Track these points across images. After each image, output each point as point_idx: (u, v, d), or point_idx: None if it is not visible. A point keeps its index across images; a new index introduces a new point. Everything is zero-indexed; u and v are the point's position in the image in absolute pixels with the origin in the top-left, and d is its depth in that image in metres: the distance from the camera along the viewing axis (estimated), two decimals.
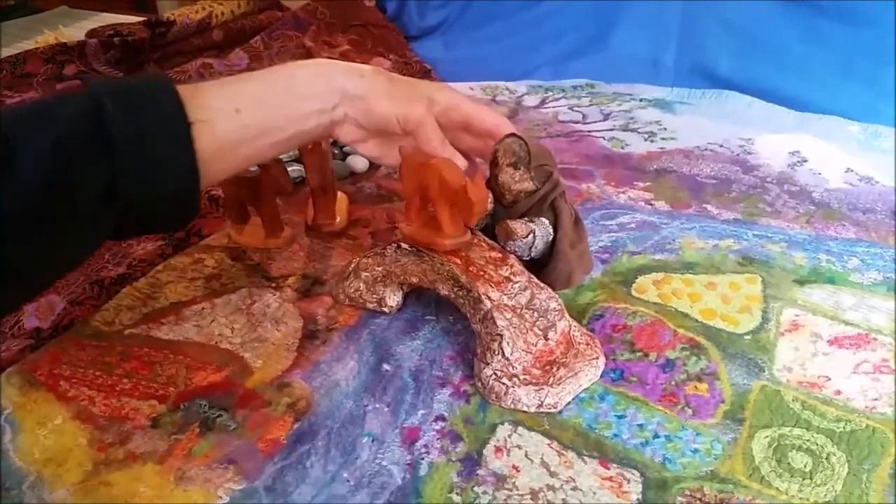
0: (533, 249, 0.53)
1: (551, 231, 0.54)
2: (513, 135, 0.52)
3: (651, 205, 0.75)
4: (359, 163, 0.81)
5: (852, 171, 0.82)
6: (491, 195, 0.54)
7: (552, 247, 0.55)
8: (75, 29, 1.31)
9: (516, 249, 0.53)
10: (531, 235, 0.53)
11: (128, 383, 0.50)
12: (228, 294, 0.59)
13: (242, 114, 0.45)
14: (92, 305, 0.58)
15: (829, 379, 0.51)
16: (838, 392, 0.50)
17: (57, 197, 0.37)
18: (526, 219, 0.54)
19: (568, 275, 0.56)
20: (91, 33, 1.13)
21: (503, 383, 0.48)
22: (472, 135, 0.55)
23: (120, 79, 0.42)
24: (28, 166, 0.36)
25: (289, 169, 0.64)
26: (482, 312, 0.50)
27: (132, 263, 0.63)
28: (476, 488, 0.43)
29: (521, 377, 0.49)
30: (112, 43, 1.07)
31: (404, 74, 1.10)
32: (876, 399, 0.50)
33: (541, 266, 0.55)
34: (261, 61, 1.14)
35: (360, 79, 0.50)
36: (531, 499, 0.42)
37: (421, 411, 0.48)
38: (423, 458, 0.45)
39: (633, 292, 0.60)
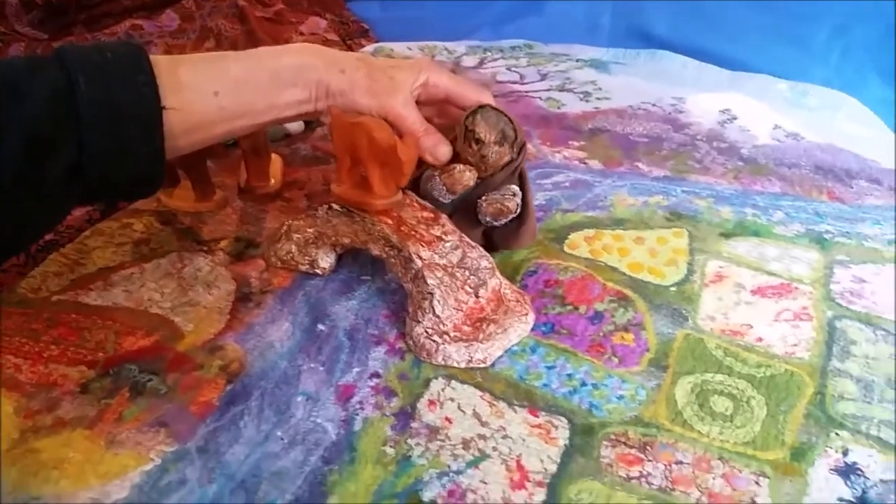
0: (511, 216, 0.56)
1: (520, 194, 0.56)
2: (488, 106, 0.52)
3: (585, 163, 0.76)
4: (293, 124, 0.80)
5: (780, 127, 0.85)
6: (475, 169, 0.54)
7: (523, 209, 0.57)
8: None
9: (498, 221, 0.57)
10: (517, 207, 0.56)
11: (55, 350, 0.49)
12: (158, 258, 0.58)
13: (221, 97, 0.45)
14: (18, 273, 0.56)
15: (752, 327, 0.53)
16: (759, 339, 0.52)
17: (26, 175, 0.37)
18: (511, 190, 0.56)
19: (533, 231, 0.60)
20: None
21: (434, 340, 0.49)
22: (459, 107, 0.55)
23: (94, 47, 0.41)
24: (1, 146, 0.36)
25: None
26: (413, 272, 0.50)
27: (59, 229, 0.61)
28: (409, 440, 0.43)
29: (452, 334, 0.49)
30: (34, 3, 1.03)
31: (340, 34, 1.10)
32: (795, 345, 0.52)
33: (508, 229, 0.58)
34: (192, 21, 1.11)
35: (341, 74, 0.50)
36: (463, 448, 0.43)
37: (356, 369, 0.49)
38: (357, 414, 0.45)
39: (566, 248, 0.61)
